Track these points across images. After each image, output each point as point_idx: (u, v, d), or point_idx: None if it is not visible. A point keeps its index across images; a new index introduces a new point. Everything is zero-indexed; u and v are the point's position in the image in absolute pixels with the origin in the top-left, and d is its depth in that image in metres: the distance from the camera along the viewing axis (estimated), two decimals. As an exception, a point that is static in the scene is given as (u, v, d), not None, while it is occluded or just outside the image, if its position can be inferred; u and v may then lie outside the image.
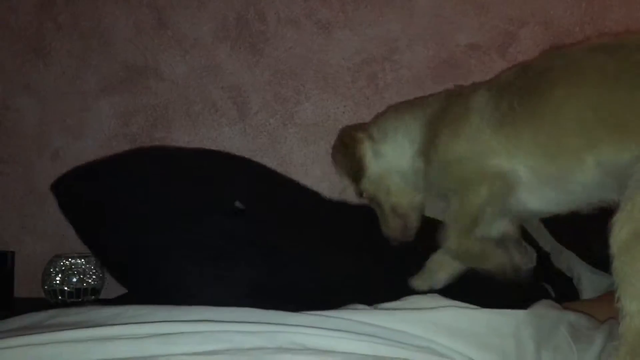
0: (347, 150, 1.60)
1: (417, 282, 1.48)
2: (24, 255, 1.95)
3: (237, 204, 1.47)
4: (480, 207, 1.37)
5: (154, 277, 1.30)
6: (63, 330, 0.91)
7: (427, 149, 1.47)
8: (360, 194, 1.63)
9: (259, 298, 1.19)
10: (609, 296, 1.50)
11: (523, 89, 1.32)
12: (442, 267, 1.48)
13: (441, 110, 1.48)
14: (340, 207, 1.75)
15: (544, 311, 1.17)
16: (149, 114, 2.02)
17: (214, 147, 2.02)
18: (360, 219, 1.65)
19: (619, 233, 1.06)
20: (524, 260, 1.53)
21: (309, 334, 0.94)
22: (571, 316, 1.20)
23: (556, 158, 1.26)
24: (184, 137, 2.02)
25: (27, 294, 1.90)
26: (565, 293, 1.59)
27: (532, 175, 1.31)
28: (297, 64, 2.03)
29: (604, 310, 1.34)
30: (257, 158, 2.01)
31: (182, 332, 0.91)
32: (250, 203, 1.47)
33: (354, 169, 1.59)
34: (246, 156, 2.00)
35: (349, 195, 1.98)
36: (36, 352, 0.87)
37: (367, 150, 1.57)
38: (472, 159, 1.36)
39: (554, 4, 2.01)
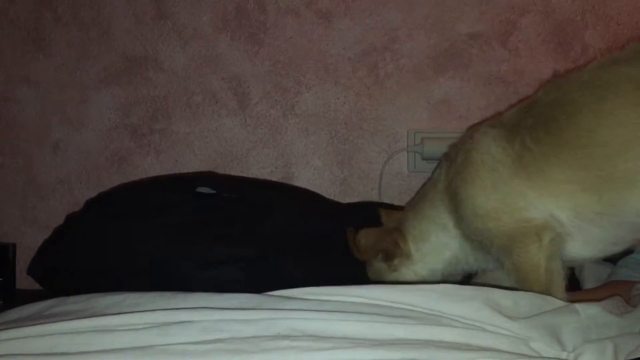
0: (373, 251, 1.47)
1: None
2: (25, 247, 1.95)
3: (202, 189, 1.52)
4: (540, 266, 1.24)
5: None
6: (61, 321, 0.91)
7: (457, 215, 1.36)
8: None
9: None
10: (609, 285, 1.51)
11: (535, 127, 1.21)
12: None
13: (449, 171, 1.38)
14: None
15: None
16: (149, 105, 2.02)
17: (213, 138, 2.02)
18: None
19: None
20: None
21: (307, 318, 0.93)
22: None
23: (601, 190, 1.15)
24: (184, 128, 2.02)
25: (28, 286, 1.90)
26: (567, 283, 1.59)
27: (575, 218, 1.19)
28: (297, 54, 2.02)
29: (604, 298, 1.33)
30: (258, 149, 2.02)
31: (181, 322, 0.91)
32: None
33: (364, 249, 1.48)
34: (247, 147, 2.01)
35: (350, 185, 1.99)
36: (34, 344, 0.87)
37: (403, 265, 1.47)
38: (502, 210, 1.25)
39: (556, -8, 2.00)
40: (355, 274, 1.48)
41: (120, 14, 2.01)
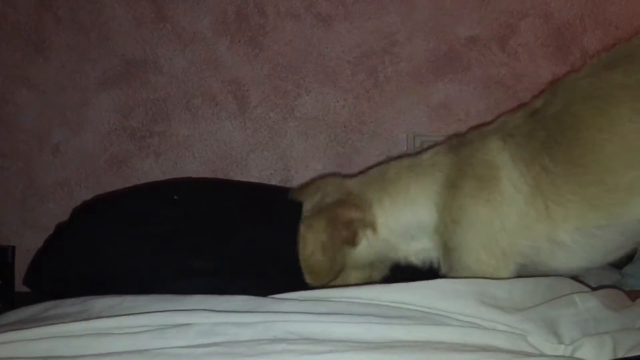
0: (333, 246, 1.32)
1: None
2: (24, 250, 1.94)
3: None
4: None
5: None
6: (58, 324, 0.91)
7: (446, 222, 1.29)
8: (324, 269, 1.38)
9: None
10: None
11: (549, 143, 1.18)
12: None
13: (455, 171, 1.30)
14: None
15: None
16: (148, 107, 2.02)
17: (213, 141, 2.02)
18: None
19: None
20: None
21: (304, 321, 0.94)
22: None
23: (608, 204, 1.15)
24: (184, 130, 2.02)
25: (28, 289, 1.90)
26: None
27: (578, 234, 1.18)
28: (296, 58, 2.02)
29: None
30: (258, 152, 2.02)
31: (177, 325, 0.91)
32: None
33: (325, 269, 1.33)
34: (246, 150, 2.01)
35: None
36: (31, 347, 0.88)
37: (362, 239, 1.35)
38: (506, 233, 1.23)
39: (555, -4, 2.00)
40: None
41: (120, 17, 2.01)
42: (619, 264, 1.59)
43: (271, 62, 2.02)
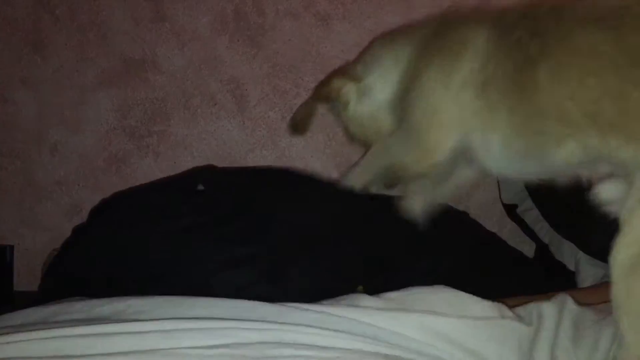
0: (308, 105, 1.49)
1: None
2: (23, 249, 1.95)
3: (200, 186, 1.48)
4: (409, 173, 1.34)
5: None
6: (66, 327, 0.91)
7: (410, 73, 1.33)
8: (352, 140, 1.54)
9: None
10: (606, 285, 1.52)
11: (517, 48, 1.17)
12: None
13: (436, 32, 1.33)
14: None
15: (547, 323, 1.14)
16: (147, 107, 2.02)
17: (212, 140, 2.02)
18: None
19: (619, 256, 1.00)
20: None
21: (310, 333, 0.94)
22: (574, 317, 1.17)
23: (533, 138, 1.15)
24: (183, 130, 2.02)
25: (26, 288, 1.90)
26: (565, 285, 1.60)
27: (504, 148, 1.19)
28: (295, 57, 2.02)
29: (598, 297, 1.34)
30: (256, 151, 2.02)
31: (185, 329, 0.91)
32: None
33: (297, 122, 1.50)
34: (245, 149, 2.01)
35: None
36: (38, 347, 0.88)
37: (350, 94, 1.44)
38: (441, 119, 1.26)
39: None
40: (372, 268, 1.43)
41: (118, 16, 2.01)
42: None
43: (270, 61, 2.02)
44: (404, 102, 1.34)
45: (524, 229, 1.89)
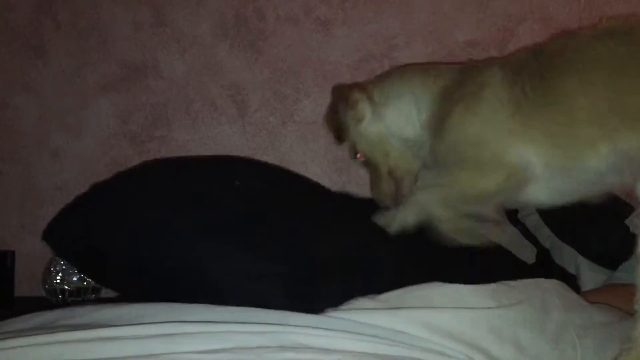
0: (336, 110, 1.55)
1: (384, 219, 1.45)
2: (24, 255, 1.95)
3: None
4: (488, 196, 1.33)
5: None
6: (67, 331, 0.91)
7: (436, 123, 1.41)
8: (355, 154, 1.59)
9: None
10: (607, 288, 1.52)
11: (535, 74, 1.28)
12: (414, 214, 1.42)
13: (455, 83, 1.42)
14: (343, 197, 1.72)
15: (553, 314, 1.16)
16: (148, 112, 2.02)
17: (213, 146, 2.02)
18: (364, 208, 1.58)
19: None
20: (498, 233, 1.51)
21: (311, 334, 0.94)
22: (584, 314, 1.20)
23: (568, 148, 1.23)
24: (184, 135, 2.02)
25: (27, 293, 1.91)
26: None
27: (544, 167, 1.27)
28: (296, 62, 2.03)
29: (599, 300, 1.35)
30: (257, 156, 2.02)
31: (186, 333, 0.91)
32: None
33: (338, 131, 1.55)
34: (246, 155, 2.01)
35: (349, 192, 1.99)
36: (39, 352, 0.87)
37: (366, 111, 1.52)
38: (489, 142, 1.32)
39: (553, 0, 2.01)
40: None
41: (119, 22, 2.01)
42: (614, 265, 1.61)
43: (270, 66, 2.03)
44: (436, 145, 1.41)
45: (525, 234, 1.89)
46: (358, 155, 1.59)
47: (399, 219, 1.41)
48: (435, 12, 2.01)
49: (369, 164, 1.58)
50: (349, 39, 2.02)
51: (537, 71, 1.28)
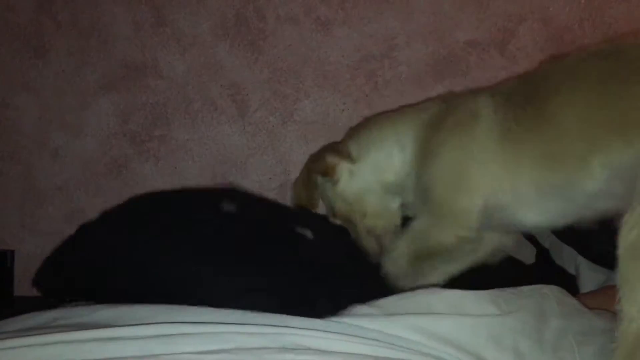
0: (308, 181, 1.52)
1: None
2: (23, 254, 1.95)
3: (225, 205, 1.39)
4: (446, 249, 1.35)
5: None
6: (66, 332, 0.91)
7: (423, 154, 1.40)
8: (333, 214, 1.56)
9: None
10: (605, 289, 1.52)
11: (524, 100, 1.28)
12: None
13: (441, 113, 1.41)
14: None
15: (552, 321, 1.16)
16: (148, 111, 2.02)
17: (213, 145, 2.02)
18: None
19: (628, 235, 1.03)
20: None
21: (311, 336, 0.94)
22: (583, 320, 1.20)
23: (561, 167, 1.22)
24: (184, 135, 2.02)
25: (27, 293, 1.89)
26: (566, 289, 1.59)
27: (535, 189, 1.26)
28: (296, 62, 2.03)
29: (599, 302, 1.35)
30: (257, 156, 2.02)
31: (185, 333, 0.91)
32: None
33: (311, 200, 1.53)
34: (246, 154, 2.02)
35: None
36: (38, 352, 0.87)
37: (342, 173, 1.49)
38: (464, 186, 1.32)
39: (553, 0, 2.01)
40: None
41: (119, 21, 2.01)
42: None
43: (270, 66, 2.03)
44: (419, 184, 1.40)
45: (524, 234, 1.89)
46: (336, 215, 1.56)
47: (390, 272, 1.41)
48: (435, 12, 2.01)
49: (349, 223, 1.54)
50: (349, 39, 2.02)
51: (526, 95, 1.29)
